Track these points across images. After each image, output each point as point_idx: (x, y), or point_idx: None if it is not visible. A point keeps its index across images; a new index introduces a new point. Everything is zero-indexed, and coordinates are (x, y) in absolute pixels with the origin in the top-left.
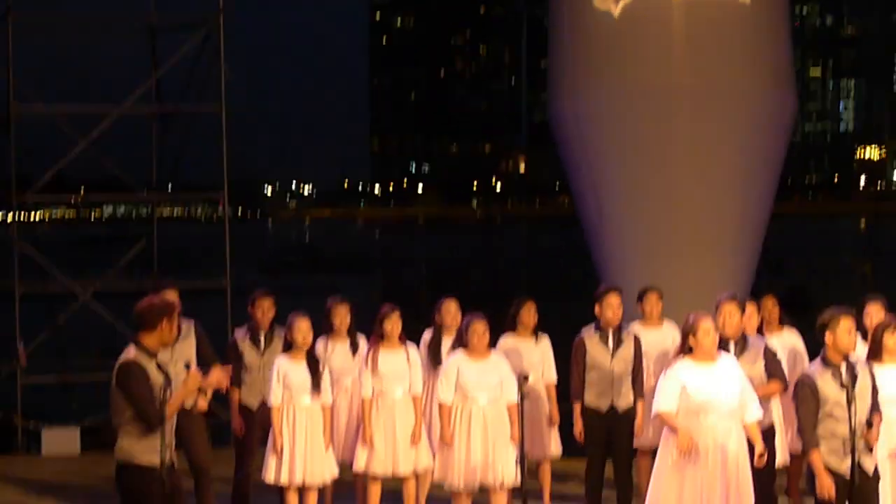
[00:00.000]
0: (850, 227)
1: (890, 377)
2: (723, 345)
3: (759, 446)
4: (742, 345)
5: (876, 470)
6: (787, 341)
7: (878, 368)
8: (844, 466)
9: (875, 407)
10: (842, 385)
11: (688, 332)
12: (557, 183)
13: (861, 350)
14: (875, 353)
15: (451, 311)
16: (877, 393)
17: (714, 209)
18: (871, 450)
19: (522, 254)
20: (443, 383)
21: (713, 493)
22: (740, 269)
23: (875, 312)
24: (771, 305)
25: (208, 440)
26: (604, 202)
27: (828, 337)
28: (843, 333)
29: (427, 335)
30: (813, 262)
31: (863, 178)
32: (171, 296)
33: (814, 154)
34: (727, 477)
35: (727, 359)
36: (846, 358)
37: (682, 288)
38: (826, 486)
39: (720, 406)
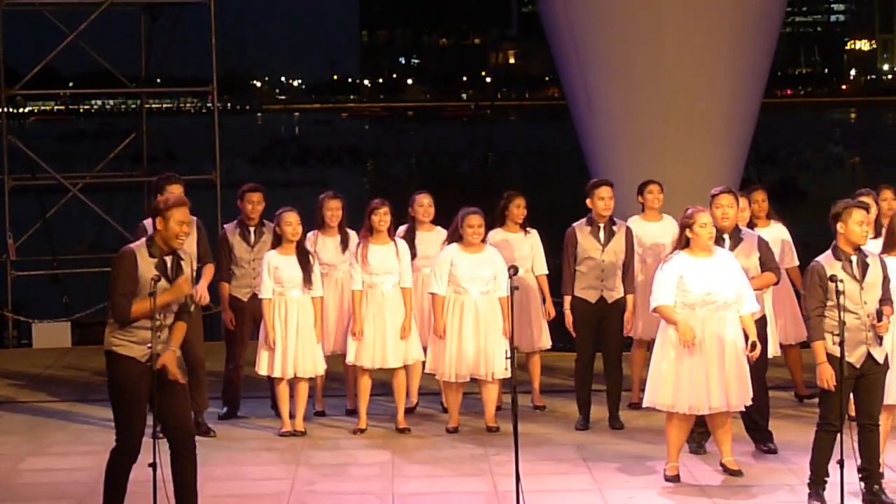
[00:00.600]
0: (841, 119)
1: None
2: (718, 238)
3: (753, 338)
4: (737, 237)
5: (886, 359)
6: (775, 234)
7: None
8: (855, 357)
9: (886, 299)
10: (853, 276)
11: (685, 225)
12: (547, 76)
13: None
14: (890, 245)
15: (423, 204)
16: (888, 283)
17: (705, 100)
18: (880, 340)
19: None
20: (436, 276)
21: (712, 384)
22: (731, 160)
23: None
24: (761, 199)
25: (202, 333)
26: (593, 94)
27: (840, 227)
28: (855, 225)
29: (402, 229)
30: (803, 154)
31: (853, 70)
32: (177, 190)
33: (804, 46)
34: (725, 368)
35: (724, 252)
36: (857, 249)
37: (673, 179)
38: (827, 377)
39: (717, 298)
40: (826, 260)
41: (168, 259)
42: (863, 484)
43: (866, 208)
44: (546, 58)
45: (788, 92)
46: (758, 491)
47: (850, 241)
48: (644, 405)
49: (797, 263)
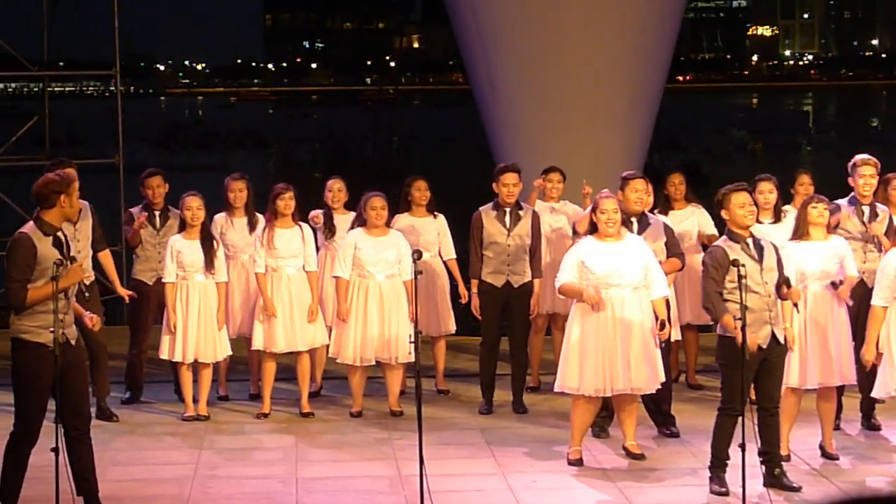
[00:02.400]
0: (743, 104)
1: (815, 253)
2: (626, 221)
3: (663, 317)
4: (644, 222)
5: (786, 340)
6: (692, 217)
7: (804, 244)
8: (761, 337)
9: (785, 280)
10: (752, 257)
11: (593, 209)
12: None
13: (766, 227)
14: (800, 230)
15: (332, 189)
16: (781, 265)
17: (607, 85)
18: (780, 321)
19: (417, 131)
20: (340, 259)
21: (616, 366)
22: (634, 145)
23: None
24: (678, 182)
25: (102, 316)
26: (497, 78)
27: (724, 214)
28: (737, 208)
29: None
30: (706, 139)
31: (755, 55)
32: (71, 172)
33: (707, 31)
34: (631, 351)
35: (634, 237)
36: (751, 232)
37: (577, 164)
38: (749, 343)
39: (620, 280)
40: (725, 243)
41: (61, 235)
42: (763, 467)
43: (746, 190)
44: (450, 42)
45: (691, 77)
46: (660, 474)
47: (737, 224)
48: (555, 389)
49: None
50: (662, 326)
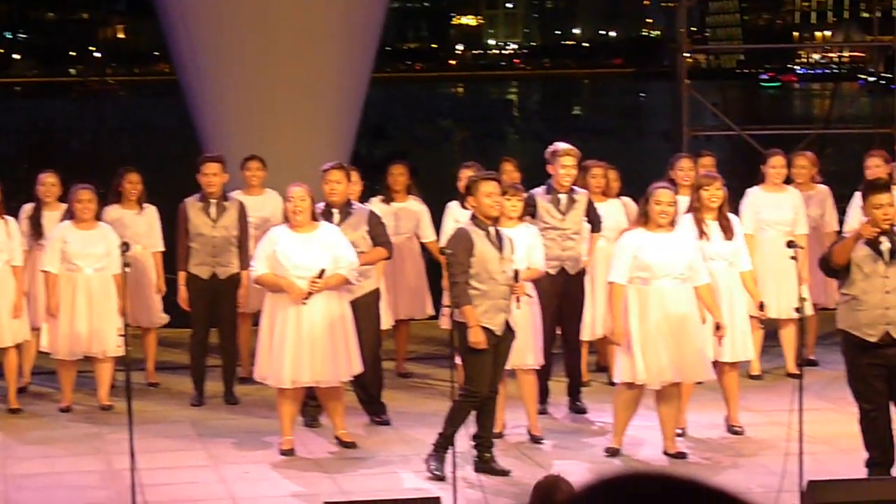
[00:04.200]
0: (449, 93)
1: (665, 243)
2: (327, 212)
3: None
4: (346, 211)
5: (514, 327)
6: (413, 207)
7: (651, 234)
8: (496, 323)
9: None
10: (493, 245)
11: (286, 201)
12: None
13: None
14: (644, 220)
15: (45, 183)
16: (512, 253)
17: (313, 74)
18: (512, 308)
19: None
20: (47, 253)
21: (316, 356)
22: (341, 135)
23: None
24: (397, 173)
25: None
26: (202, 69)
27: (471, 201)
28: (483, 197)
29: (28, 207)
30: (414, 128)
31: (460, 45)
32: None
33: (412, 21)
34: (332, 340)
35: (327, 226)
36: (494, 221)
37: (283, 154)
38: (480, 339)
39: (307, 273)
40: (470, 228)
41: None
42: (475, 451)
43: (496, 179)
44: (155, 32)
45: (398, 66)
46: (372, 462)
47: (483, 213)
48: (255, 378)
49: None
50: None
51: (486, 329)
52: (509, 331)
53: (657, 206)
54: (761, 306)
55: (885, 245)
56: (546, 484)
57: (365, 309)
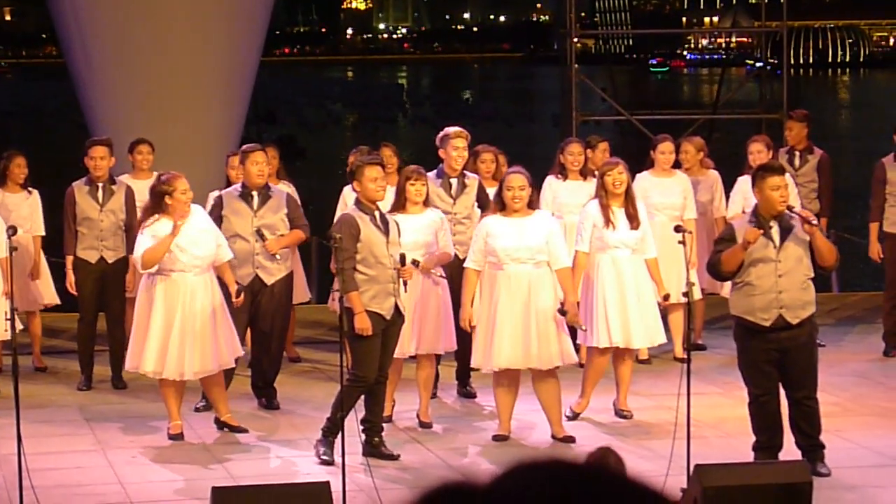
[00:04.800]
0: (339, 77)
1: (518, 228)
2: (247, 195)
3: (232, 288)
4: (265, 195)
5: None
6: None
7: (506, 220)
8: (385, 308)
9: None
10: (379, 229)
11: (163, 192)
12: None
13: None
14: (398, 204)
15: None
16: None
17: (202, 56)
18: (400, 292)
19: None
20: None
21: (192, 347)
22: (230, 118)
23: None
24: (270, 156)
25: None
26: (91, 51)
27: (355, 185)
28: (368, 182)
29: None
30: (303, 112)
31: (350, 28)
32: None
33: (302, 4)
34: (214, 329)
35: (197, 212)
36: (378, 206)
37: (171, 138)
38: (366, 326)
39: (191, 258)
40: (355, 213)
41: None
42: (364, 435)
43: (381, 164)
44: (43, 14)
45: (287, 50)
46: (261, 448)
47: (367, 197)
48: (128, 369)
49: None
50: (239, 294)
51: (375, 314)
52: (398, 315)
53: (508, 191)
54: (666, 298)
55: (776, 230)
56: (596, 456)
57: (279, 294)
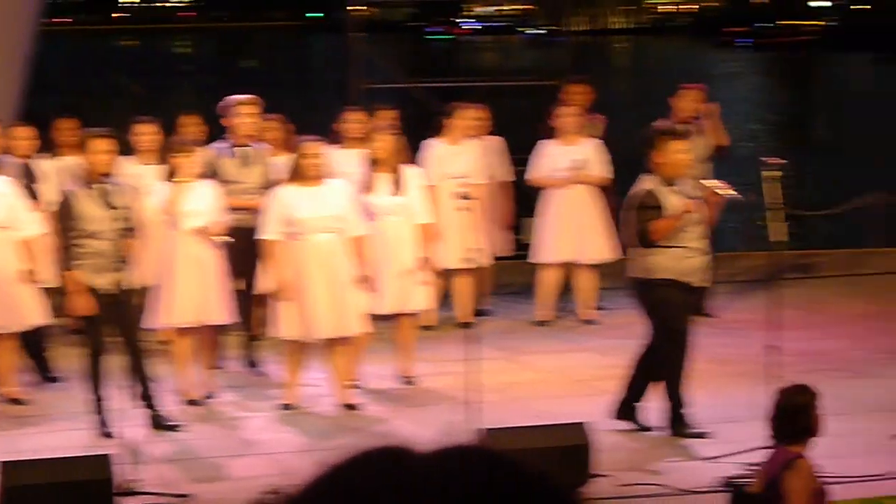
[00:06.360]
0: (123, 46)
1: (314, 197)
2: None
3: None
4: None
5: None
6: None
7: (301, 189)
8: (102, 282)
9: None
10: (103, 203)
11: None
12: None
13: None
14: (295, 175)
15: None
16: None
17: None
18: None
19: None
20: None
21: None
22: (7, 90)
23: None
24: (65, 127)
25: None
26: None
27: (85, 159)
28: (92, 155)
29: None
30: (86, 82)
31: None
32: None
33: None
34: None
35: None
36: (104, 177)
37: None
38: (82, 307)
39: None
40: (76, 187)
41: None
42: (145, 408)
43: (109, 137)
44: None
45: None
46: (42, 420)
47: (94, 171)
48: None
49: None
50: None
51: (98, 290)
52: (127, 288)
53: (303, 159)
54: (424, 262)
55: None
56: (791, 390)
57: None
